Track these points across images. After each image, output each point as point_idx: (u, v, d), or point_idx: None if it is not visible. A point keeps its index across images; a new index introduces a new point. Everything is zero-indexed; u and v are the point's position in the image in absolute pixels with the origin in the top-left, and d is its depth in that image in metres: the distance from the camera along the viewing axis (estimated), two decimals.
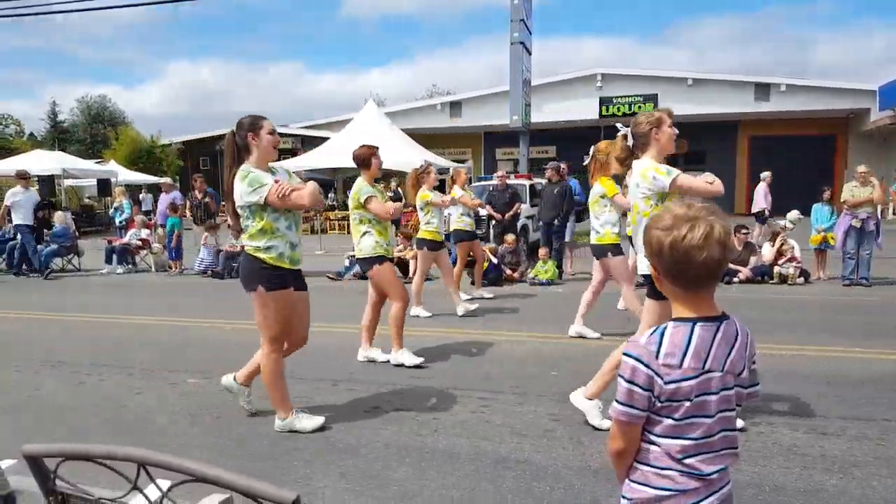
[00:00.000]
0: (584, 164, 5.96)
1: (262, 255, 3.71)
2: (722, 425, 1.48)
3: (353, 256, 11.14)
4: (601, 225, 5.83)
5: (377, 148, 5.34)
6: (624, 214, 5.52)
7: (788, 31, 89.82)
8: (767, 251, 10.07)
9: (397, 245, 11.58)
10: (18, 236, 11.92)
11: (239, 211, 3.76)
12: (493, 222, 11.72)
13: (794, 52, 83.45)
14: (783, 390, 4.52)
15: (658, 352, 1.43)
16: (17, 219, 11.68)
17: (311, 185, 3.68)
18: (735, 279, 9.74)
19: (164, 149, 31.43)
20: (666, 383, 1.43)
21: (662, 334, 1.45)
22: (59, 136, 47.03)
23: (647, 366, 1.43)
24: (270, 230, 3.70)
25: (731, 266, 9.90)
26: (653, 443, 1.50)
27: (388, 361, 5.40)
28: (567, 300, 8.68)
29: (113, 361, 5.68)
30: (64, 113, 51.75)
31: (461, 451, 3.61)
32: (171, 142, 32.11)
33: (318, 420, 3.97)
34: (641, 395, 1.44)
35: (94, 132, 48.40)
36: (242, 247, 3.99)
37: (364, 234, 5.23)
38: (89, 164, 23.79)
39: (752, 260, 10.01)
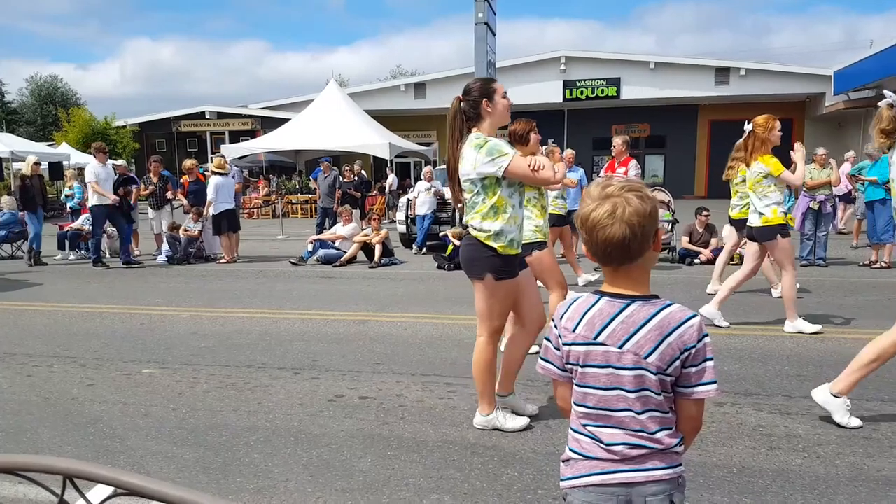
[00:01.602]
0: (742, 139, 5.62)
1: (492, 244, 3.34)
2: (627, 405, 1.47)
3: (317, 241, 11.09)
4: (766, 206, 5.47)
5: (535, 123, 4.92)
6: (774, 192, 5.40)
7: (749, 17, 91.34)
8: (727, 233, 10.20)
9: (364, 229, 11.43)
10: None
11: (466, 185, 3.38)
12: (459, 206, 11.64)
13: (754, 37, 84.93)
14: (747, 370, 4.56)
15: (563, 315, 1.55)
16: (93, 199, 10.53)
17: (545, 159, 3.36)
18: (696, 260, 9.87)
19: (119, 131, 30.42)
20: (563, 344, 1.54)
21: (575, 301, 1.55)
22: (6, 118, 45.15)
23: (555, 325, 1.57)
24: (503, 208, 3.33)
25: (693, 248, 10.04)
26: (573, 406, 1.58)
27: None
28: None
29: (64, 352, 5.44)
30: (12, 93, 49.68)
31: (428, 438, 3.54)
32: (126, 123, 31.09)
33: (523, 420, 3.61)
34: (553, 353, 1.58)
35: (45, 113, 46.61)
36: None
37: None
38: (40, 147, 22.91)
39: (713, 242, 10.14)
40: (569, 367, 1.55)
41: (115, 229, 12.29)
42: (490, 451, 3.35)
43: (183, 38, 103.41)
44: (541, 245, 4.88)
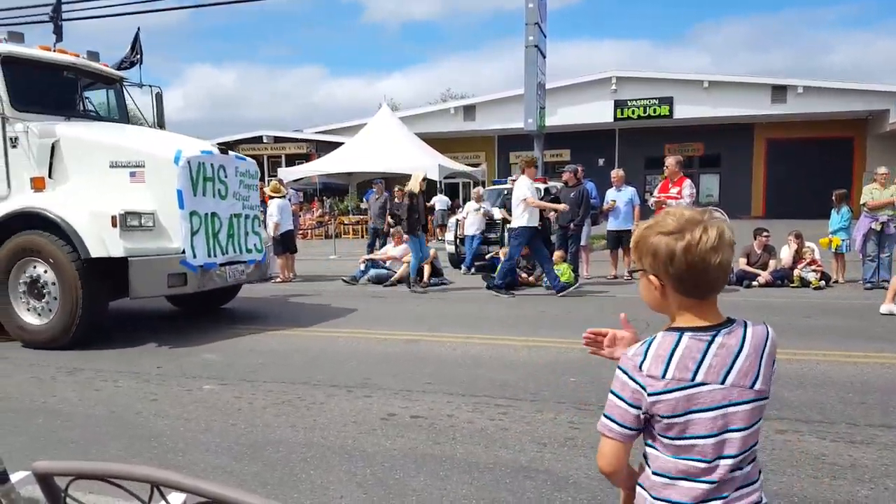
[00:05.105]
0: None
1: None
2: (737, 448, 1.32)
3: (369, 261, 11.28)
4: None
5: None
6: None
7: (806, 33, 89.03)
8: (786, 255, 9.92)
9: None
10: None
11: None
12: (508, 225, 11.67)
13: (812, 54, 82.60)
14: (808, 397, 4.41)
15: (642, 363, 1.34)
16: (522, 219, 9.15)
17: None
18: (754, 283, 9.60)
19: None
20: (649, 395, 1.32)
21: (650, 345, 1.36)
22: None
23: (632, 378, 1.35)
24: None
25: (751, 270, 9.78)
26: (651, 468, 1.40)
27: None
28: (583, 304, 8.59)
29: (128, 367, 5.67)
30: None
31: (479, 459, 3.55)
32: None
33: None
34: (626, 412, 1.36)
35: None
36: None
37: None
38: None
39: (772, 264, 9.86)
40: (657, 420, 1.35)
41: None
42: (543, 474, 3.34)
43: (242, 65, 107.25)
44: None
